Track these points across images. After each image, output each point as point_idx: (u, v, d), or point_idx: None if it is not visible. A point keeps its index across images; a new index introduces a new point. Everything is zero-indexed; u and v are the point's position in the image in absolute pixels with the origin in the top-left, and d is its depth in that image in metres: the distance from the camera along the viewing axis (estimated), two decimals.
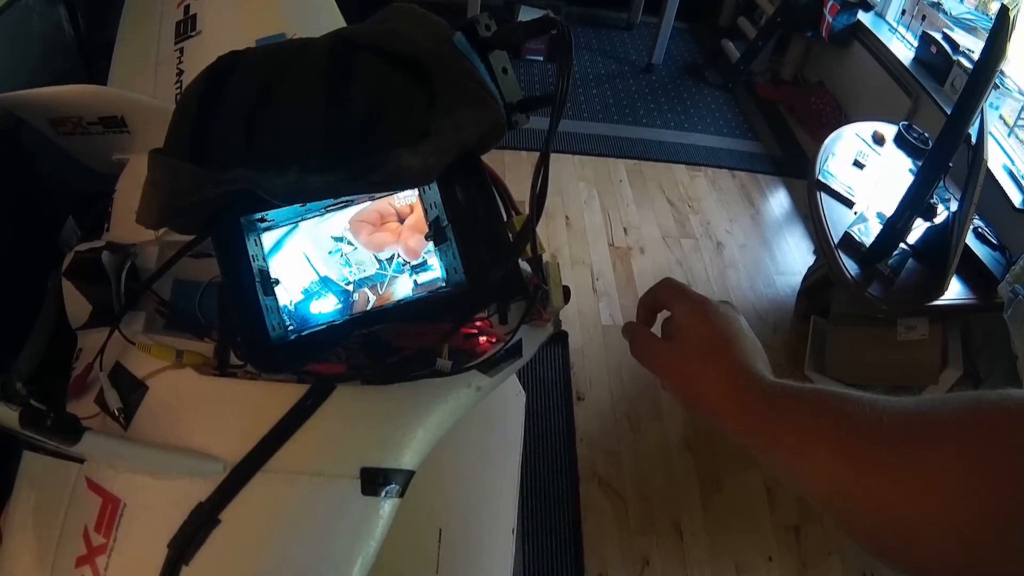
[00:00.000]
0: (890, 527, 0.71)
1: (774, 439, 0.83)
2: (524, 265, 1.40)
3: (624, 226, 4.47)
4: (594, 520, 2.90)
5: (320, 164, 1.10)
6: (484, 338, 1.48)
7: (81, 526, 1.33)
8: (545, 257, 1.43)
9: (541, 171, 1.19)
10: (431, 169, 1.14)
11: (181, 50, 2.14)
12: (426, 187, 1.38)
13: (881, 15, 5.52)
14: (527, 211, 1.26)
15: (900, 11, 5.45)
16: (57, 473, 1.42)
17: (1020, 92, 4.36)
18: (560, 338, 3.55)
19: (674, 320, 1.01)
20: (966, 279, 3.27)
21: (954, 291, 3.19)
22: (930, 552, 0.68)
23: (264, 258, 1.35)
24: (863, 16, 5.50)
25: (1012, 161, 4.06)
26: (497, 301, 1.38)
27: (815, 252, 4.41)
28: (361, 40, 1.21)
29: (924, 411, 0.72)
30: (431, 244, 1.43)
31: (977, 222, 3.45)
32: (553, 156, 1.27)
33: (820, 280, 3.95)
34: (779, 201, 5.05)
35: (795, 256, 4.56)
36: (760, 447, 0.85)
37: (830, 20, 5.48)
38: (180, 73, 2.07)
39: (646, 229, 4.51)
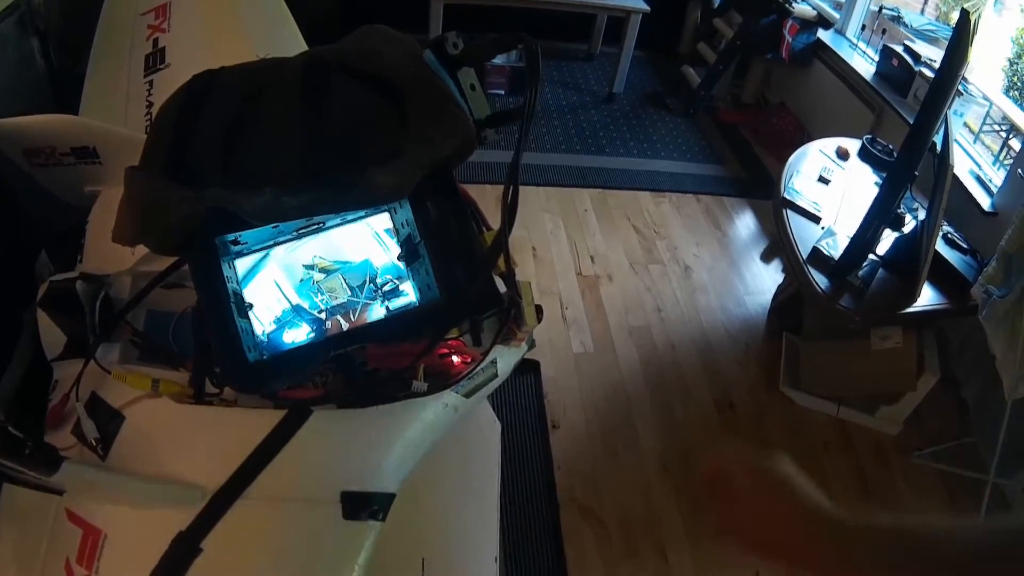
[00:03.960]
0: None
1: None
2: (498, 282, 1.41)
3: (591, 255, 4.47)
4: (576, 547, 2.86)
5: (295, 184, 1.11)
6: (458, 358, 1.47)
7: (63, 558, 1.33)
8: (516, 275, 1.43)
9: (512, 181, 1.20)
10: (404, 185, 1.15)
11: (151, 83, 2.15)
12: (397, 206, 1.39)
13: (841, 32, 5.55)
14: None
15: (860, 27, 5.48)
16: (37, 505, 1.41)
17: (984, 98, 4.41)
18: (532, 368, 3.52)
19: None
20: (938, 285, 3.28)
21: (927, 297, 3.19)
22: None
23: (238, 281, 1.36)
24: (823, 34, 5.53)
25: (979, 166, 4.10)
26: (473, 314, 1.38)
27: (783, 270, 4.43)
28: (334, 60, 1.21)
29: None
30: (401, 266, 1.44)
31: (947, 228, 3.48)
32: (499, 187, 1.28)
33: (790, 297, 3.96)
34: (745, 223, 5.06)
35: (764, 275, 4.57)
36: None
37: (790, 40, 5.51)
38: (150, 105, 2.08)
39: (613, 257, 4.51)
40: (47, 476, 1.23)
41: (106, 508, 1.33)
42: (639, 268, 4.36)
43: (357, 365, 1.36)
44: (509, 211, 1.22)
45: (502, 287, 1.41)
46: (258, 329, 1.39)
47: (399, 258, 1.42)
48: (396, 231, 1.44)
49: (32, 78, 2.48)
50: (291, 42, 2.33)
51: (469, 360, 1.46)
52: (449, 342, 1.46)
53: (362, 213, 1.46)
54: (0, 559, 1.41)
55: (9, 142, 1.79)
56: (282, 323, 1.45)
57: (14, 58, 2.34)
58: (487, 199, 4.19)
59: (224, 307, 1.24)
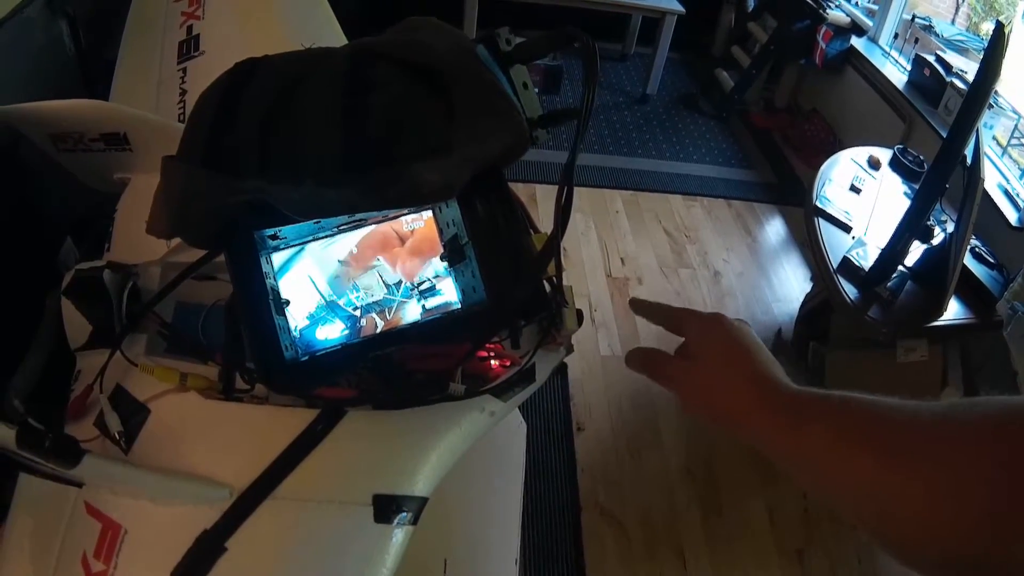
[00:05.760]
0: (922, 525, 0.70)
1: (805, 445, 0.81)
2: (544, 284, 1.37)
3: (621, 257, 4.46)
4: (596, 549, 2.87)
5: (337, 178, 1.07)
6: (497, 362, 1.44)
7: (80, 552, 1.29)
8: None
9: (566, 182, 1.17)
10: (452, 183, 1.11)
11: (184, 70, 2.12)
12: (443, 205, 1.36)
13: (874, 40, 5.53)
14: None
15: (893, 35, 5.46)
16: (55, 497, 1.37)
17: (1013, 111, 4.38)
18: (559, 369, 3.50)
19: (691, 339, 1.01)
20: (964, 299, 3.26)
21: (953, 311, 3.17)
22: (956, 547, 0.67)
23: (275, 277, 1.33)
24: (856, 41, 5.51)
25: (1007, 180, 4.08)
26: (522, 319, 1.35)
27: (812, 279, 4.40)
28: (382, 50, 1.17)
29: (955, 413, 0.72)
30: (442, 267, 1.41)
31: (974, 241, 3.45)
32: (548, 187, 1.26)
33: (818, 306, 3.93)
34: (775, 229, 5.05)
35: (792, 283, 4.56)
36: (790, 456, 0.84)
37: (824, 47, 5.49)
38: (183, 93, 2.05)
39: (643, 259, 4.50)
40: (67, 469, 1.21)
41: (127, 503, 1.30)
42: (669, 272, 4.35)
43: (395, 366, 1.33)
44: (563, 214, 1.18)
45: (547, 287, 1.38)
46: (291, 325, 1.36)
47: (442, 258, 1.39)
48: (440, 230, 1.40)
49: (60, 63, 2.45)
50: (329, 32, 2.30)
51: (508, 364, 1.43)
52: (488, 345, 1.42)
53: (404, 211, 1.43)
54: (15, 549, 1.38)
55: (35, 127, 1.76)
56: (315, 319, 1.42)
57: (42, 42, 2.32)
58: (521, 196, 4.21)
59: (263, 304, 1.21)
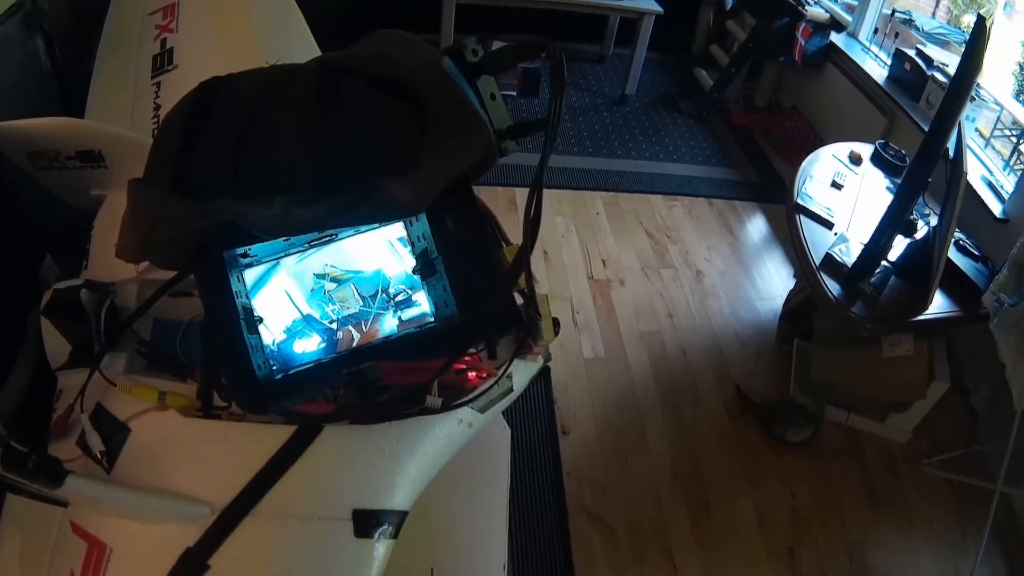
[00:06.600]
0: None
1: None
2: (516, 296, 1.37)
3: (603, 259, 4.43)
4: (585, 553, 2.85)
5: (306, 196, 1.07)
6: (474, 373, 1.44)
7: (67, 571, 1.30)
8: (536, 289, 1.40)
9: (535, 197, 1.17)
10: (422, 199, 1.11)
11: (158, 84, 2.12)
12: (413, 219, 1.36)
13: (854, 35, 5.49)
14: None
15: (872, 30, 5.43)
16: (41, 517, 1.38)
17: (995, 102, 4.37)
18: (542, 373, 3.45)
19: None
20: (949, 292, 3.23)
21: (938, 305, 3.14)
22: None
23: (247, 295, 1.32)
24: (836, 37, 5.47)
25: (990, 172, 4.05)
26: (494, 333, 1.35)
27: (795, 276, 4.40)
28: (350, 66, 1.17)
29: None
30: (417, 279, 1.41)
31: (958, 234, 3.41)
32: (527, 191, 1.24)
33: (801, 303, 3.92)
34: (757, 227, 5.04)
35: (775, 281, 4.54)
36: None
37: (803, 43, 5.47)
38: (157, 108, 2.05)
39: (625, 261, 4.47)
40: (51, 489, 1.21)
41: (111, 522, 1.31)
42: (651, 272, 4.32)
43: (371, 381, 1.33)
44: (532, 227, 1.18)
45: (518, 299, 1.38)
46: (268, 339, 1.36)
47: (414, 271, 1.39)
48: (411, 243, 1.41)
49: (37, 78, 2.46)
50: (302, 44, 2.30)
51: (485, 375, 1.43)
52: (464, 357, 1.42)
53: (375, 225, 1.43)
54: (4, 570, 1.39)
55: (13, 145, 1.76)
56: (292, 333, 1.42)
57: (19, 58, 2.32)
58: (499, 202, 4.15)
59: (233, 324, 1.21)
